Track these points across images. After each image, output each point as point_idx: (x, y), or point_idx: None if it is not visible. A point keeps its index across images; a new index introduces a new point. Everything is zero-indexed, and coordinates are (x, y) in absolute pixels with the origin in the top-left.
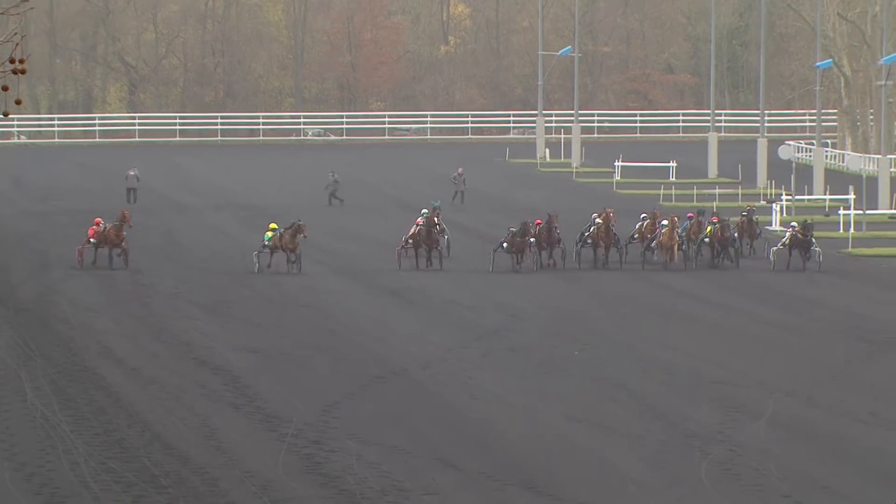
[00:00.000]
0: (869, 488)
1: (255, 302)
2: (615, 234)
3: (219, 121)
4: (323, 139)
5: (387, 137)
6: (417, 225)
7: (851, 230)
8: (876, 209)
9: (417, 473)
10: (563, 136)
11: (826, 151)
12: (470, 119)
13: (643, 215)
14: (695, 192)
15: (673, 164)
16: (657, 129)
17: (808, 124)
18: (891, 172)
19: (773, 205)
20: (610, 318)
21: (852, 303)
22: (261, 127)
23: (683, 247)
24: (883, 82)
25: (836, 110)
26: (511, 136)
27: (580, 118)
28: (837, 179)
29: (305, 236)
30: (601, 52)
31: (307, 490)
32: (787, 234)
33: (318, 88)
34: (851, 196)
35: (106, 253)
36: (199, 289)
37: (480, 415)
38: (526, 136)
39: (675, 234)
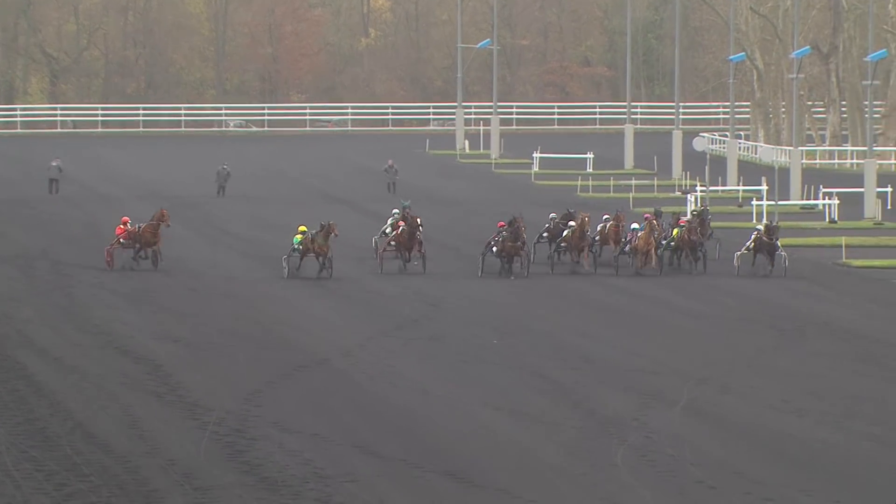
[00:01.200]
0: (781, 473)
1: (178, 291)
2: (590, 238)
3: (140, 112)
4: (245, 130)
5: (308, 129)
6: (399, 226)
7: (764, 220)
8: (787, 200)
9: (339, 461)
10: (482, 127)
11: (739, 143)
12: (390, 111)
13: (605, 216)
14: (611, 183)
15: (590, 155)
16: (574, 121)
17: (721, 116)
18: (802, 164)
19: (688, 195)
20: (529, 308)
21: (765, 292)
22: (182, 118)
23: (660, 251)
24: (794, 75)
25: (748, 103)
26: (431, 127)
27: (499, 110)
28: (750, 170)
29: (336, 235)
30: (519, 44)
31: (229, 477)
32: (752, 237)
33: (239, 80)
34: (764, 187)
35: (140, 253)
36: (121, 278)
37: (401, 403)
38: (446, 127)
39: (653, 238)
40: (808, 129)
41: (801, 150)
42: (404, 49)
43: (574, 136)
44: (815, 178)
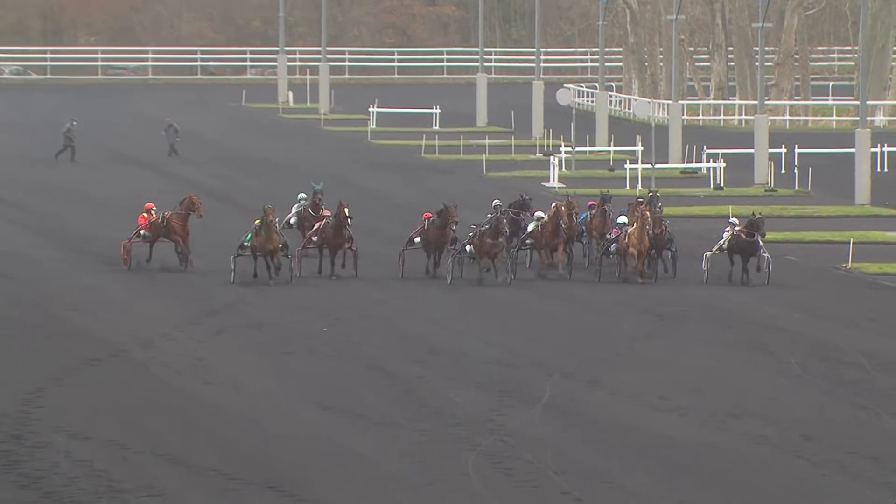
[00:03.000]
0: (658, 482)
1: None
2: (565, 233)
3: None
4: (22, 78)
5: (100, 77)
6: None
7: (639, 187)
8: (666, 163)
9: (138, 472)
10: (308, 76)
11: (610, 96)
12: (199, 56)
13: (553, 205)
14: (461, 143)
15: (436, 110)
16: (418, 70)
17: (589, 65)
18: (683, 120)
19: (551, 158)
20: (365, 290)
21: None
22: None
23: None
24: (674, 16)
25: (621, 49)
26: (248, 76)
27: (328, 56)
28: (623, 128)
29: (273, 220)
30: None
31: (4, 493)
32: (726, 234)
33: (15, 18)
34: (639, 147)
35: (165, 247)
36: None
37: (213, 402)
38: (265, 76)
39: (645, 235)
40: (690, 79)
41: (682, 105)
42: None
43: (417, 87)
44: (697, 137)
